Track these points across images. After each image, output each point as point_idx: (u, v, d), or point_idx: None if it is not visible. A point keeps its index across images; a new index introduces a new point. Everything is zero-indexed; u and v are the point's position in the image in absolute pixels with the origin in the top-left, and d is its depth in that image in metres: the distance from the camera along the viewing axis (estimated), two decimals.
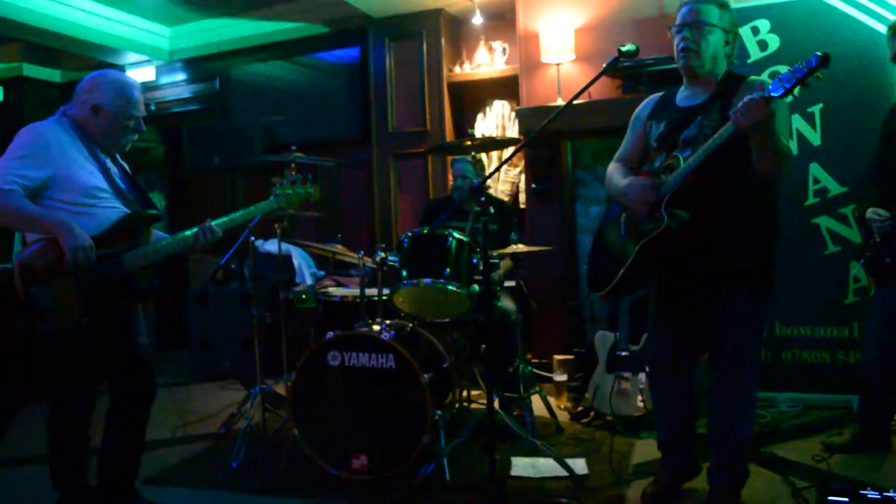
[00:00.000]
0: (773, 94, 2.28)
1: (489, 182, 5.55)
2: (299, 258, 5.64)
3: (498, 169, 4.75)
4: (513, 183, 5.68)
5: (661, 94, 2.93)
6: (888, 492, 2.55)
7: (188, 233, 2.75)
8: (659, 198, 2.60)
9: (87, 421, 2.77)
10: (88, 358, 2.65)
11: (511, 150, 3.80)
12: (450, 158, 4.99)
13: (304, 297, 4.47)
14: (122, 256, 2.58)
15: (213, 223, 2.80)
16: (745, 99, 2.31)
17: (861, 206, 3.30)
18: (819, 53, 2.22)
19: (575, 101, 2.72)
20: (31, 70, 6.85)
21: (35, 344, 2.55)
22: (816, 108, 4.03)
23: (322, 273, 5.60)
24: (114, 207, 2.65)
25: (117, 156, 2.81)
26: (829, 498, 2.58)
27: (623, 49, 2.63)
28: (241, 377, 5.37)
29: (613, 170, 2.93)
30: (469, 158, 4.07)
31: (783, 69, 2.35)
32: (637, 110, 2.97)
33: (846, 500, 2.56)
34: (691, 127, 2.64)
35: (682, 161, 2.54)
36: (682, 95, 2.78)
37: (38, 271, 2.48)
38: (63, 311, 2.49)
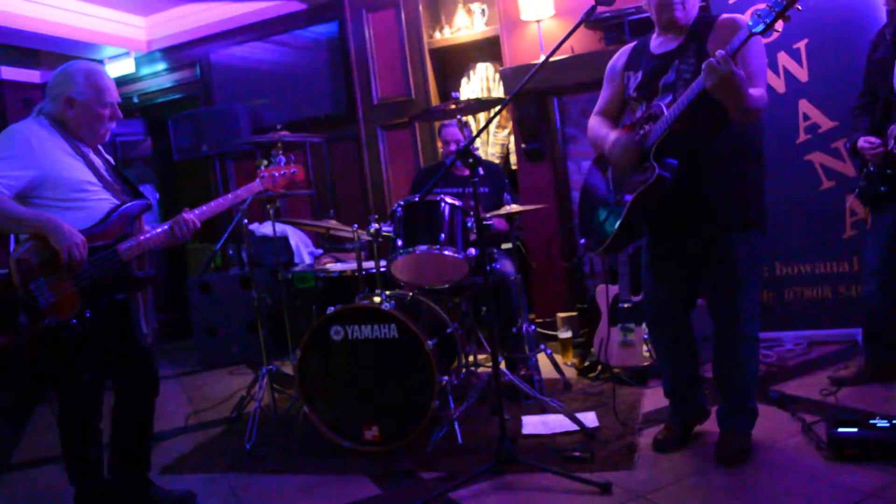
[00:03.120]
0: (754, 31, 2.27)
1: (478, 145, 5.54)
2: (296, 239, 5.63)
3: (485, 128, 4.75)
4: (502, 145, 5.65)
5: (632, 44, 2.91)
6: None
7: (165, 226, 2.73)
8: (644, 150, 2.59)
9: (98, 414, 2.78)
10: (95, 350, 2.66)
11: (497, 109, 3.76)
12: (437, 125, 4.96)
13: (303, 276, 4.47)
14: (116, 247, 2.59)
15: (198, 210, 2.80)
16: (706, 61, 2.32)
17: (850, 137, 3.28)
18: None
19: (558, 57, 2.71)
20: (10, 73, 6.77)
21: (40, 341, 2.55)
22: (802, 44, 3.98)
23: (320, 251, 5.59)
24: (104, 199, 2.65)
25: (100, 148, 2.80)
26: (839, 430, 2.59)
27: None
28: (249, 360, 5.39)
29: (595, 123, 2.92)
30: (456, 122, 4.04)
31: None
32: (611, 62, 2.94)
33: (855, 430, 2.57)
34: (669, 73, 2.63)
35: (664, 109, 2.52)
36: (656, 43, 2.76)
37: (35, 267, 2.47)
38: (64, 305, 2.49)
